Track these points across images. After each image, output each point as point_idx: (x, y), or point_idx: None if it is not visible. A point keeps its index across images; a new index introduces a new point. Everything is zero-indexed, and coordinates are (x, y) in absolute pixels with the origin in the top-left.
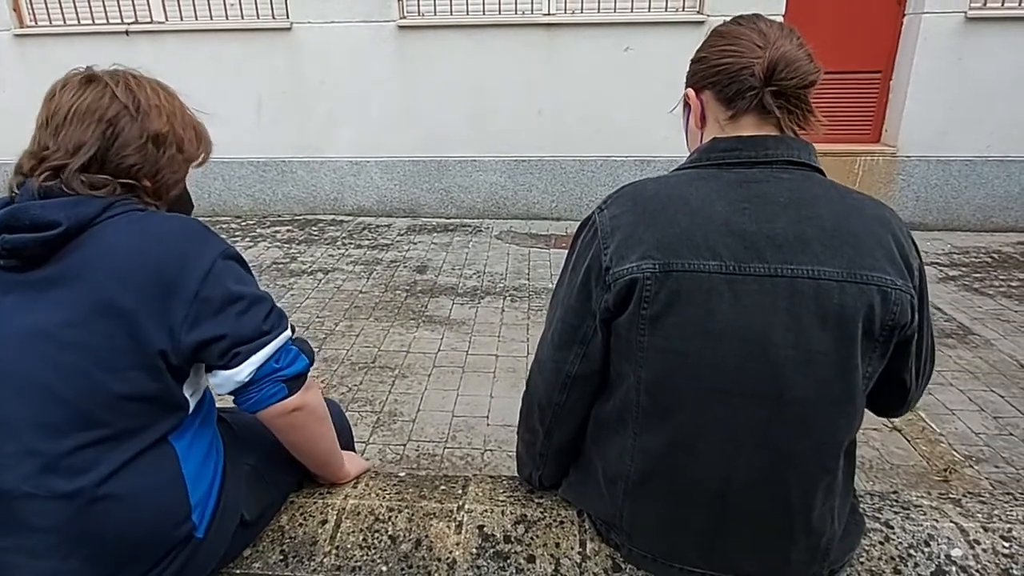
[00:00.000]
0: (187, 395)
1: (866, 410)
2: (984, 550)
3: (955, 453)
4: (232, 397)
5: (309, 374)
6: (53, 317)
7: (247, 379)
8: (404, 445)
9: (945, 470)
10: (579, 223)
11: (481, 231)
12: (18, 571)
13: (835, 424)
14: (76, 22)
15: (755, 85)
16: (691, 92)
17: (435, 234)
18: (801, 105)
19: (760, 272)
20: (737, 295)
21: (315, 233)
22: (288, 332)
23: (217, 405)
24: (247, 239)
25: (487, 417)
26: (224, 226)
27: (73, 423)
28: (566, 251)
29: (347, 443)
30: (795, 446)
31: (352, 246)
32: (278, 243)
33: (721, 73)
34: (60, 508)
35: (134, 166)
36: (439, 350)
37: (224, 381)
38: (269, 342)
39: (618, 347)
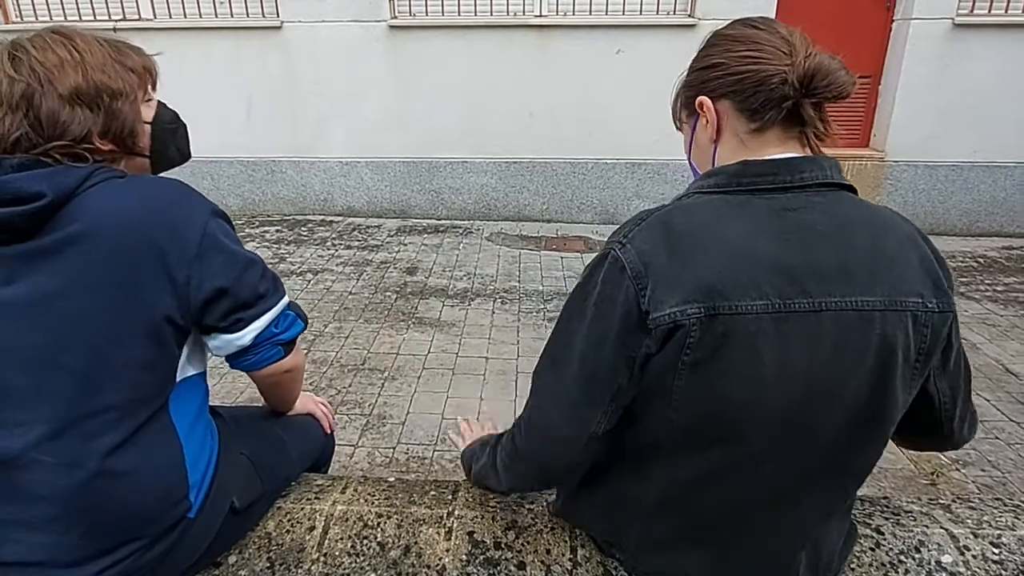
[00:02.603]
0: (185, 362)
1: None
2: (974, 556)
3: (942, 457)
4: (227, 360)
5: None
6: (48, 288)
7: (249, 343)
8: (393, 448)
9: (932, 473)
10: (594, 256)
11: (472, 233)
12: (15, 545)
13: (864, 453)
14: (63, 18)
15: (788, 94)
16: (707, 101)
17: (425, 235)
18: (825, 117)
19: (805, 308)
20: (783, 335)
21: (304, 234)
22: (286, 298)
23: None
24: None
25: (477, 420)
26: None
27: (78, 391)
28: (557, 253)
29: (329, 455)
30: (821, 474)
31: (342, 247)
32: (267, 243)
33: (744, 82)
34: (65, 477)
35: (78, 134)
36: (429, 352)
37: (225, 344)
38: (270, 308)
39: (648, 386)
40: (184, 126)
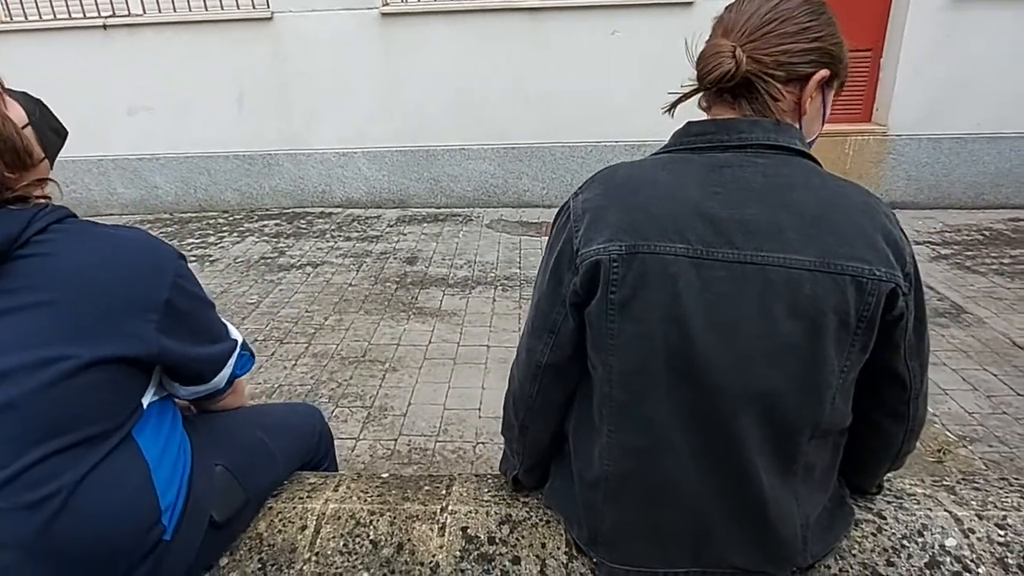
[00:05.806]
0: (152, 388)
1: None
2: (979, 539)
3: (948, 434)
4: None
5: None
6: (5, 335)
7: (219, 387)
8: (395, 440)
9: (939, 451)
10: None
11: (471, 220)
12: None
13: (799, 414)
14: (52, 17)
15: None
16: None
17: (425, 224)
18: (758, 96)
19: (729, 258)
20: (705, 281)
21: (303, 226)
22: (239, 338)
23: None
24: (235, 234)
25: (479, 409)
26: (211, 221)
27: (38, 433)
28: None
29: (326, 451)
30: (760, 435)
31: (341, 238)
32: (266, 237)
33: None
34: (27, 520)
35: (29, 162)
36: (430, 342)
37: (193, 392)
38: (230, 355)
39: (591, 338)
40: (42, 103)
